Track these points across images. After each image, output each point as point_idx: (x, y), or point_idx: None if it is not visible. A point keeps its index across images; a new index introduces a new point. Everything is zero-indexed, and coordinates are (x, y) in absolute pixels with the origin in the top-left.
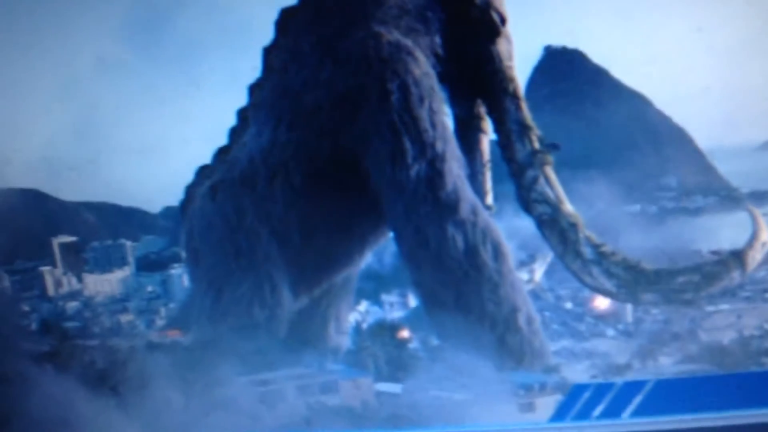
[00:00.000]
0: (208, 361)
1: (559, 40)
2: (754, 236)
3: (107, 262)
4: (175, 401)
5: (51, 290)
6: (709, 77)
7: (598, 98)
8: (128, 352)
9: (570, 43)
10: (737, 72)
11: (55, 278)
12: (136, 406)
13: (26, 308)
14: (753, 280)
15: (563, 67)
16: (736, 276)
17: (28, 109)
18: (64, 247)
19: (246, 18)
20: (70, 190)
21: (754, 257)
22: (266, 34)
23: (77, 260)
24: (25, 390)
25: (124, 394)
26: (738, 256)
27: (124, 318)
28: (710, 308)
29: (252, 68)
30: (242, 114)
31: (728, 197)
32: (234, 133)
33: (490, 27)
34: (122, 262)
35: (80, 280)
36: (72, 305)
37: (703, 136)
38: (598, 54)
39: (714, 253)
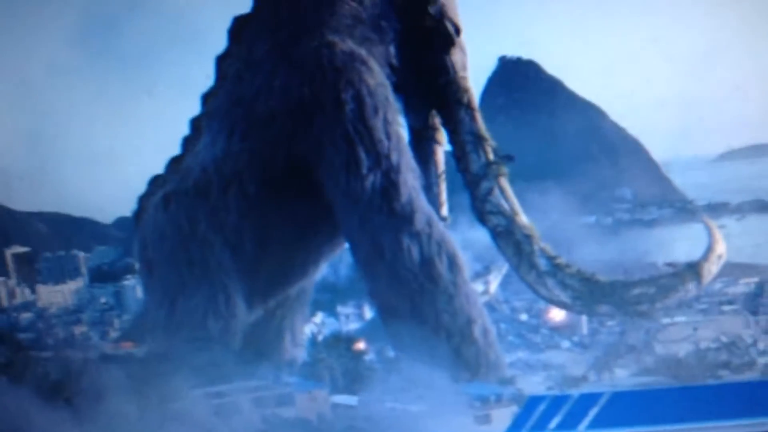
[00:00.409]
0: (162, 373)
1: (513, 51)
2: (709, 249)
3: (60, 273)
4: (129, 413)
5: (4, 301)
6: (665, 89)
7: (553, 109)
8: (82, 364)
9: (525, 54)
10: (693, 84)
11: (8, 289)
12: (90, 418)
13: None
14: (709, 293)
15: (518, 78)
16: (691, 288)
17: None
18: (16, 257)
19: (199, 25)
20: (21, 200)
21: (710, 270)
22: (220, 42)
23: (30, 271)
24: None
25: (79, 405)
26: (693, 269)
27: (78, 329)
28: (666, 320)
29: (205, 76)
30: (195, 123)
31: (684, 209)
32: (187, 142)
33: (445, 37)
34: (75, 273)
35: (33, 291)
36: (25, 316)
37: (658, 148)
38: (553, 65)
39: (669, 265)
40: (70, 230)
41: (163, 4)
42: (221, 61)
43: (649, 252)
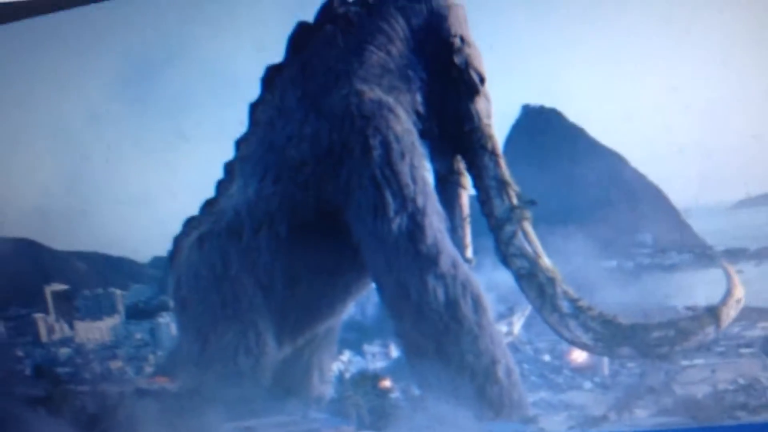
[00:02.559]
0: (194, 408)
1: (537, 99)
2: (728, 293)
3: (98, 310)
4: None
5: (44, 336)
6: (685, 136)
7: (575, 156)
8: (118, 398)
9: (548, 102)
10: (712, 131)
11: (47, 325)
12: None
13: (20, 354)
14: (727, 336)
15: (541, 125)
16: (710, 332)
17: (21, 161)
18: (56, 294)
19: (234, 74)
20: (61, 240)
21: (729, 313)
22: (253, 90)
23: (69, 308)
24: None
25: None
26: (712, 313)
27: (114, 364)
28: (685, 362)
29: (239, 122)
30: (229, 167)
31: (703, 254)
32: (221, 185)
33: (470, 86)
34: (112, 310)
35: (72, 327)
36: (64, 351)
37: (678, 195)
38: (574, 112)
39: (689, 308)
40: (108, 269)
41: (199, 54)
42: (254, 108)
43: (669, 296)
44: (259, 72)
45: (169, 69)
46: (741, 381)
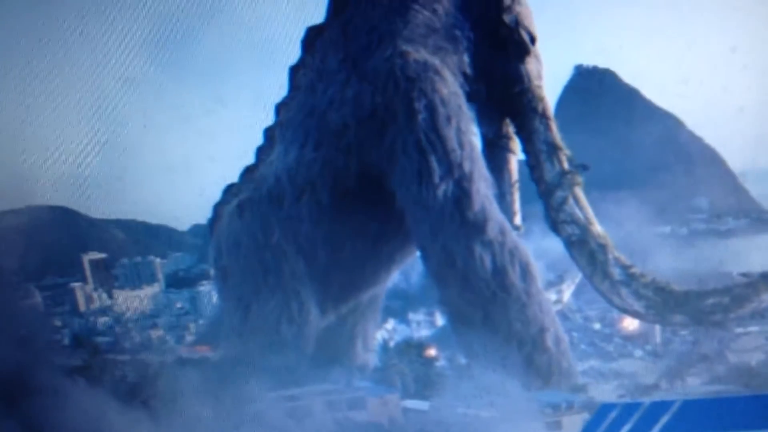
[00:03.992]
0: (236, 377)
1: (590, 60)
2: None
3: (137, 279)
4: (204, 415)
5: (82, 306)
6: (743, 98)
7: (630, 118)
8: (159, 367)
9: (601, 63)
10: None
11: (85, 294)
12: (166, 419)
13: (58, 323)
14: None
15: (594, 87)
16: (765, 298)
17: (55, 126)
18: (94, 263)
19: (272, 36)
20: (98, 208)
21: None
22: (293, 53)
23: (107, 276)
24: (58, 403)
25: (155, 408)
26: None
27: (155, 333)
28: (739, 330)
29: (278, 87)
30: (269, 133)
31: (759, 219)
32: (261, 151)
33: (520, 46)
34: (151, 279)
35: (110, 296)
36: (103, 321)
37: (735, 158)
38: (629, 74)
39: (744, 275)
40: (146, 237)
41: (236, 16)
42: (295, 71)
43: (724, 262)
44: (299, 34)
45: (206, 32)
46: None
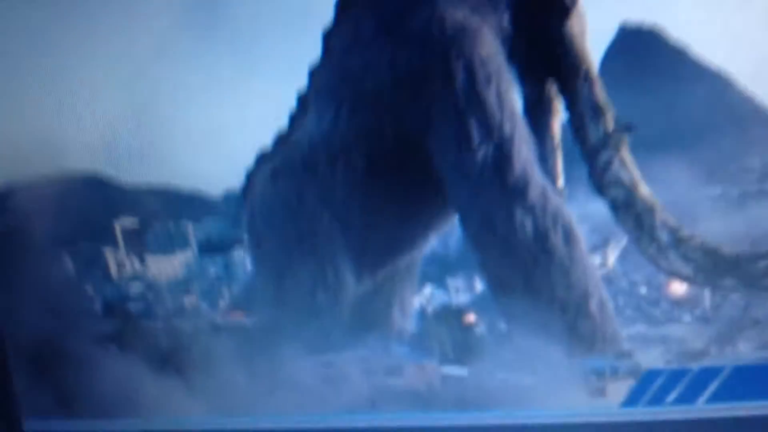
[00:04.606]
0: (271, 343)
1: (635, 16)
2: None
3: (169, 244)
4: (239, 381)
5: (114, 272)
6: None
7: (678, 77)
8: (192, 333)
9: (647, 20)
10: None
11: (117, 260)
12: (200, 385)
13: (89, 290)
14: None
15: (640, 45)
16: None
17: (85, 92)
18: (125, 229)
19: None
20: (130, 174)
21: None
22: (326, 16)
23: (139, 242)
24: (90, 370)
25: (189, 374)
26: None
27: (188, 300)
28: None
29: (312, 51)
30: (302, 98)
31: None
32: (294, 118)
33: (562, 3)
34: (184, 244)
35: (143, 261)
36: (135, 286)
37: None
38: (677, 30)
39: None
40: (180, 203)
41: None
42: (328, 35)
43: None
44: None
45: None
46: None
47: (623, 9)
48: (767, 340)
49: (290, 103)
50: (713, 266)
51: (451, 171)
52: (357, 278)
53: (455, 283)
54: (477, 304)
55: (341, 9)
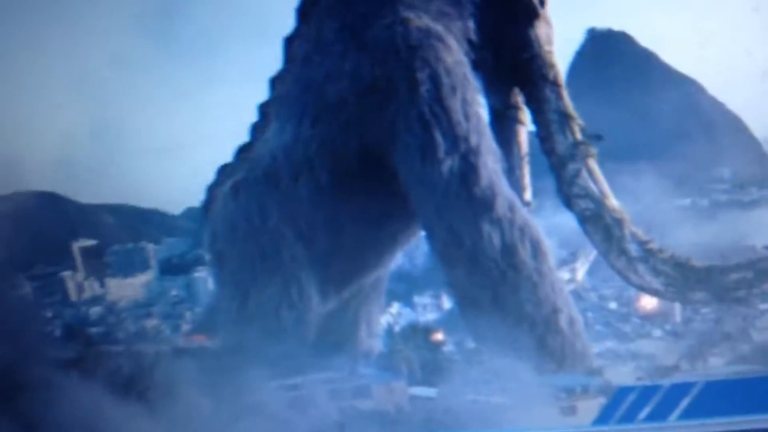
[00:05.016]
0: (236, 366)
1: (603, 22)
2: None
3: (129, 266)
4: (203, 407)
5: (73, 295)
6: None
7: (646, 85)
8: (154, 358)
9: (616, 25)
10: None
11: (76, 283)
12: (164, 412)
13: (49, 314)
14: None
15: (608, 52)
16: None
17: (41, 109)
18: (84, 251)
19: (265, 6)
20: (87, 192)
21: None
22: (287, 23)
23: (98, 264)
24: (52, 397)
25: (152, 400)
26: None
27: (149, 323)
28: (763, 306)
29: (273, 59)
30: (264, 109)
31: None
32: (256, 129)
33: (528, 9)
34: (144, 266)
35: (103, 284)
36: (95, 310)
37: (759, 124)
38: (646, 37)
39: None
40: (138, 222)
41: None
42: (289, 42)
43: (748, 235)
44: (294, 3)
45: (195, 5)
46: None
47: (591, 15)
48: (739, 354)
49: (251, 113)
50: (683, 279)
51: (417, 183)
52: (322, 297)
53: (422, 300)
54: (445, 322)
55: (302, 16)
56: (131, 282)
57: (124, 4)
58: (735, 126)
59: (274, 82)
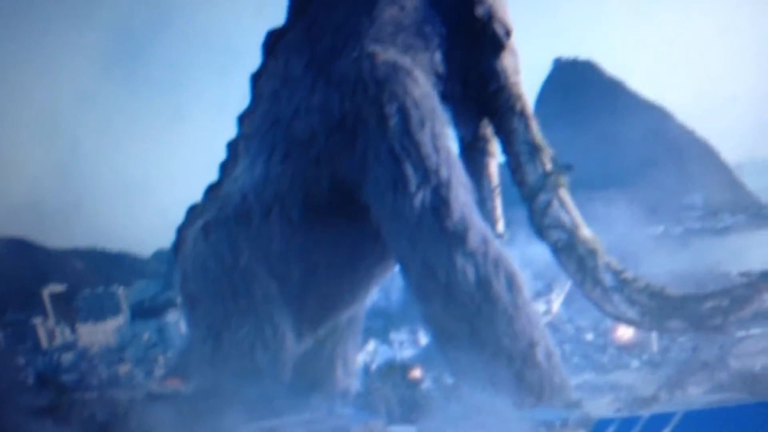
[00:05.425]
0: (211, 410)
1: (570, 51)
2: None
3: (100, 311)
4: None
5: (44, 342)
6: (736, 85)
7: (615, 112)
8: (128, 404)
9: (582, 54)
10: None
11: (47, 330)
12: None
13: (21, 362)
14: None
15: (575, 81)
16: (767, 299)
17: (7, 152)
18: (54, 297)
19: (231, 43)
20: (56, 236)
21: None
22: (254, 59)
23: (69, 310)
24: None
25: None
26: None
27: (122, 368)
28: (740, 333)
29: (240, 96)
30: (232, 146)
31: (758, 215)
32: (225, 167)
33: (494, 41)
34: (115, 310)
35: (74, 330)
36: (67, 357)
37: (730, 150)
38: (613, 64)
39: (743, 275)
40: (108, 266)
41: (192, 24)
42: (256, 78)
43: (722, 262)
44: (260, 38)
45: (161, 41)
46: None
47: (557, 45)
48: (717, 383)
49: (220, 151)
50: (659, 308)
51: (389, 218)
52: (297, 336)
53: (399, 337)
54: (422, 358)
55: (269, 52)
56: (102, 327)
57: (90, 43)
58: (705, 152)
59: (243, 119)
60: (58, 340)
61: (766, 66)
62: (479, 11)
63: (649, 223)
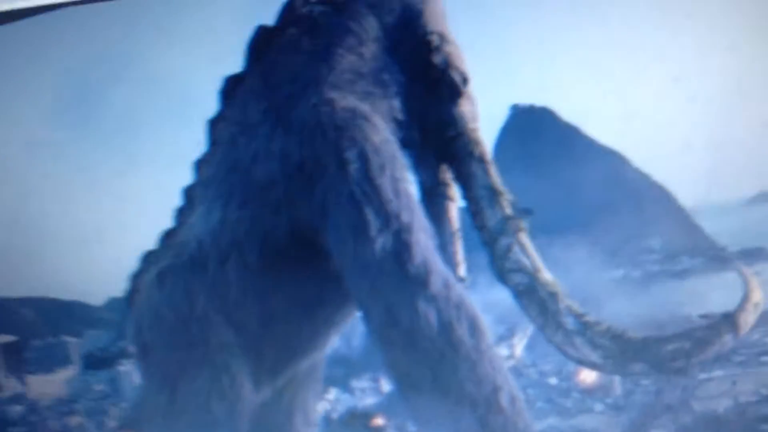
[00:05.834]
0: None
1: (526, 98)
2: (745, 297)
3: (50, 362)
4: None
5: None
6: (690, 131)
7: (571, 158)
8: None
9: (538, 101)
10: (720, 123)
11: None
12: None
13: None
14: (746, 344)
15: (532, 127)
16: (728, 340)
17: None
18: (3, 347)
19: (187, 89)
20: (5, 286)
21: (747, 319)
22: (210, 106)
23: (18, 361)
24: None
25: None
26: (729, 320)
27: (73, 420)
28: (703, 376)
29: (196, 143)
30: (188, 192)
31: (716, 257)
32: (181, 213)
33: (452, 88)
34: (66, 361)
35: (22, 382)
36: (16, 409)
37: (686, 194)
38: (569, 111)
39: (704, 317)
40: (59, 315)
41: (147, 69)
42: (213, 125)
43: (682, 304)
44: (216, 85)
45: (114, 87)
46: (764, 391)
47: (514, 91)
48: (681, 426)
49: (175, 197)
50: (621, 351)
51: (350, 263)
52: (255, 385)
53: (360, 384)
54: (384, 406)
55: (226, 98)
56: (52, 378)
57: (39, 90)
58: (661, 196)
59: (199, 164)
60: (7, 392)
61: (717, 114)
62: (436, 59)
63: (609, 266)
